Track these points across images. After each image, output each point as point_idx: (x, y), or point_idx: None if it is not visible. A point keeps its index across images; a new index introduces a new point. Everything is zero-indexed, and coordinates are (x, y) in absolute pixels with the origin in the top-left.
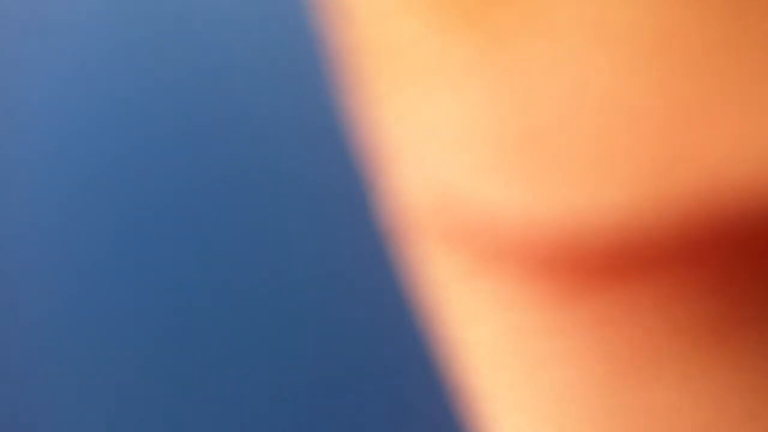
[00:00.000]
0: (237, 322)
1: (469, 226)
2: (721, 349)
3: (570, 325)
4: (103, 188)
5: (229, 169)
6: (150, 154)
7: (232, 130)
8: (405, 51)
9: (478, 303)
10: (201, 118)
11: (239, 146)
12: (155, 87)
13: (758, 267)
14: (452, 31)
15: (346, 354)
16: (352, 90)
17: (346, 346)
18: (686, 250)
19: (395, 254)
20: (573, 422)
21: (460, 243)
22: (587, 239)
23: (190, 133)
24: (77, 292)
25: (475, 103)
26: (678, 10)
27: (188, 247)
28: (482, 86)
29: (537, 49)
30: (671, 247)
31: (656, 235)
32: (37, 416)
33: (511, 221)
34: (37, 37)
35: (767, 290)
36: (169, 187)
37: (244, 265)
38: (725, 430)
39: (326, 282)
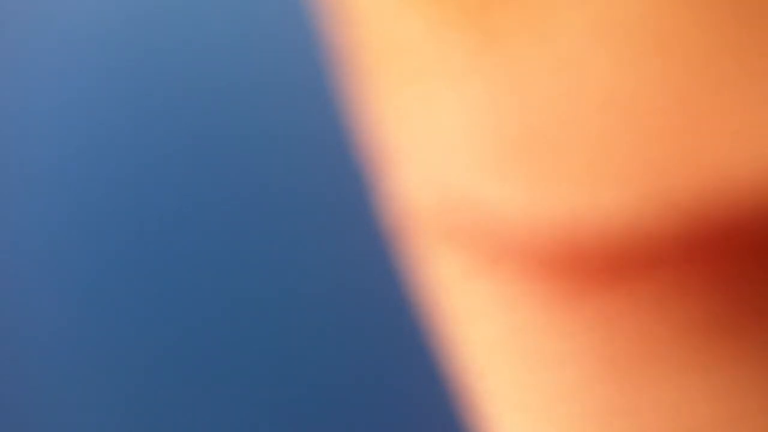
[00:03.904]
0: (238, 320)
1: (471, 226)
2: (721, 349)
3: (571, 325)
4: (104, 191)
5: (227, 169)
6: (149, 148)
7: (230, 131)
8: (405, 51)
9: (479, 303)
10: (198, 120)
11: (238, 147)
12: (154, 85)
13: (758, 267)
14: (452, 31)
15: (348, 354)
16: (352, 90)
17: (348, 346)
18: (686, 250)
19: (397, 255)
20: (574, 422)
21: (462, 243)
22: (588, 239)
23: (188, 134)
24: (79, 295)
25: (476, 103)
26: (678, 9)
27: (191, 246)
28: (483, 86)
29: (537, 49)
30: (672, 247)
31: (657, 235)
32: (39, 419)
33: (512, 221)
34: (39, 40)
35: (766, 290)
36: (169, 185)
37: (245, 264)
38: (726, 429)
39: (327, 282)
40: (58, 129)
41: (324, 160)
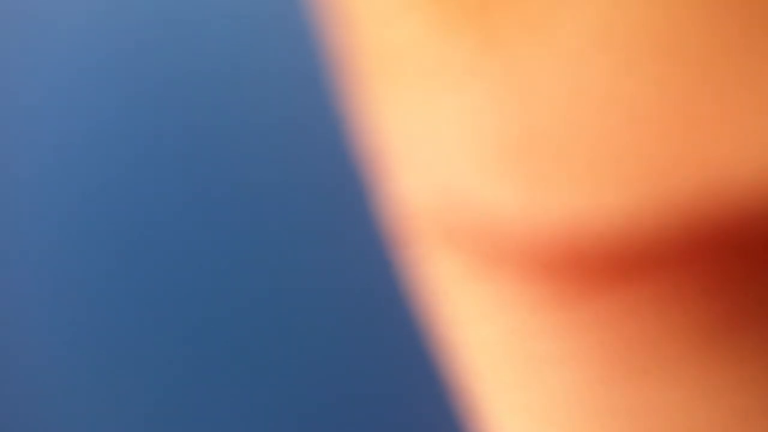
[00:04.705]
0: (236, 320)
1: (471, 228)
2: (721, 350)
3: (571, 327)
4: (103, 191)
5: (226, 171)
6: (148, 149)
7: (230, 133)
8: (406, 53)
9: (479, 305)
10: (198, 122)
11: (238, 148)
12: (152, 88)
13: (758, 268)
14: (453, 33)
15: (346, 355)
16: (352, 92)
17: (346, 347)
18: (686, 251)
19: (396, 256)
20: (574, 423)
21: (462, 245)
22: (588, 241)
23: (187, 136)
24: (80, 297)
25: (477, 105)
26: (678, 10)
27: (190, 247)
28: (483, 88)
29: (538, 50)
30: (672, 249)
31: (657, 237)
32: (40, 420)
33: (512, 223)
34: (38, 41)
35: (766, 291)
36: (169, 187)
37: (245, 265)
38: (726, 429)
39: (327, 283)
40: (57, 128)
41: (324, 162)
